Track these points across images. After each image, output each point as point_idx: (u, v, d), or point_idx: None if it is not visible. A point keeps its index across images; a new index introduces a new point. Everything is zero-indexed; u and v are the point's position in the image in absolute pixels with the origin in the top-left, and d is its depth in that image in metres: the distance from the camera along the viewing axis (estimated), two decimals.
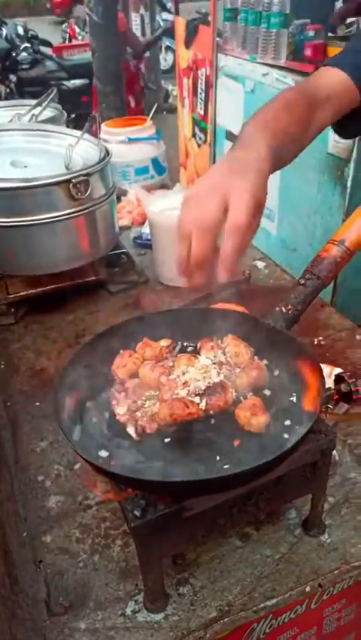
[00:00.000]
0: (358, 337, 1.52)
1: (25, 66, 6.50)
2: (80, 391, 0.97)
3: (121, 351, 1.04)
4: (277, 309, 1.04)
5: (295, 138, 1.20)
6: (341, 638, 1.25)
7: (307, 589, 0.95)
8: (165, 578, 0.94)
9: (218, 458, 0.84)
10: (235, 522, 0.92)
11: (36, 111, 2.08)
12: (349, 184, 2.69)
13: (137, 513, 0.77)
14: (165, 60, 9.68)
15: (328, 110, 1.26)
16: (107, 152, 1.63)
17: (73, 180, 1.47)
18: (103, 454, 0.86)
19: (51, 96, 2.15)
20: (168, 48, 9.19)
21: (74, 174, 1.47)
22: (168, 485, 0.77)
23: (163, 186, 2.39)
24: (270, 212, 3.42)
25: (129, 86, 4.21)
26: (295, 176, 3.02)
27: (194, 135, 4.24)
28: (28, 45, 6.61)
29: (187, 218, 1.00)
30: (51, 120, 2.06)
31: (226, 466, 0.82)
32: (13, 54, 6.58)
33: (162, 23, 8.13)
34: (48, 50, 7.08)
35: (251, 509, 0.89)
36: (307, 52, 3.25)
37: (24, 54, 6.54)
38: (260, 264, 1.89)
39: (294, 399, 0.94)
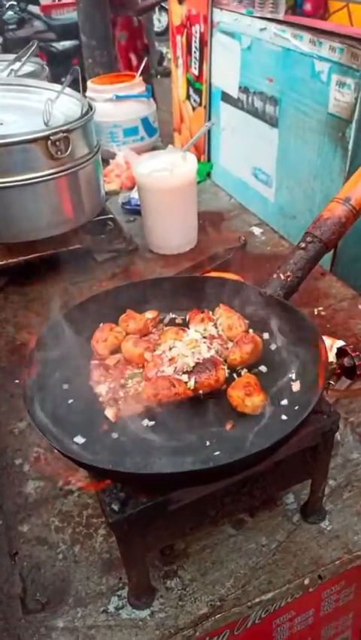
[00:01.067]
0: (360, 307, 1.42)
1: (11, 26, 6.20)
2: (55, 369, 0.87)
3: (101, 324, 0.94)
4: (274, 276, 0.93)
5: None
6: (338, 618, 1.20)
7: (306, 581, 0.87)
8: (151, 570, 0.86)
9: (208, 444, 0.75)
10: (227, 512, 0.83)
11: (15, 66, 1.93)
12: (350, 146, 2.54)
13: (115, 507, 0.68)
14: (159, 21, 9.29)
15: None
16: (90, 107, 1.49)
17: (52, 137, 1.34)
18: (79, 439, 0.77)
19: (32, 50, 2.00)
20: (161, 8, 8.80)
21: (53, 130, 1.34)
22: (151, 477, 0.68)
23: (154, 149, 2.25)
24: (267, 178, 3.27)
25: (131, 43, 4.00)
26: (293, 139, 2.86)
27: (188, 97, 4.04)
28: (15, 3, 6.28)
29: None
30: (31, 75, 1.91)
31: (216, 453, 0.73)
32: None
33: None
34: (36, 9, 6.75)
35: (245, 498, 0.81)
36: (307, 6, 3.07)
37: (10, 13, 6.23)
38: (257, 230, 1.78)
39: (293, 376, 0.84)
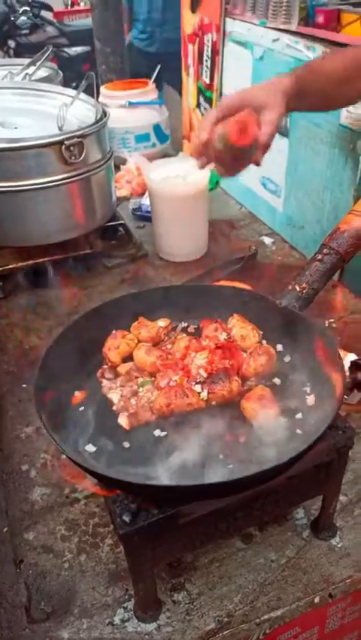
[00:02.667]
0: None
1: (24, 31, 6.23)
2: (66, 376, 0.86)
3: (114, 331, 0.93)
4: (290, 287, 0.92)
5: (327, 85, 1.20)
6: (343, 636, 1.18)
7: (317, 600, 0.86)
8: (158, 582, 0.85)
9: (221, 456, 0.74)
10: (238, 527, 0.82)
11: (30, 70, 1.94)
12: None
13: (126, 519, 0.67)
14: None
15: None
16: (105, 113, 1.49)
17: (66, 142, 1.34)
18: (90, 448, 0.76)
19: (46, 55, 2.01)
20: None
21: (67, 135, 1.34)
22: (163, 490, 0.66)
23: (165, 156, 2.25)
24: (276, 188, 3.27)
25: None
26: (304, 149, 2.86)
27: (198, 105, 4.05)
28: (28, 9, 6.31)
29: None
30: (46, 80, 1.91)
31: (229, 466, 0.72)
32: (12, 18, 6.30)
33: None
34: (49, 15, 6.78)
35: (257, 513, 0.79)
36: (319, 19, 3.06)
37: (23, 18, 6.26)
38: (267, 240, 1.77)
39: (308, 389, 0.83)
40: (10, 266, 1.52)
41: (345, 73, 1.19)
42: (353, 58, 1.20)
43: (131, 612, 0.84)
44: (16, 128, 1.51)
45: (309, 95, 1.18)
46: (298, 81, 1.12)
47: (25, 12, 6.25)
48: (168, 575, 0.88)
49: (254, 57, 3.39)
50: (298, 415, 0.79)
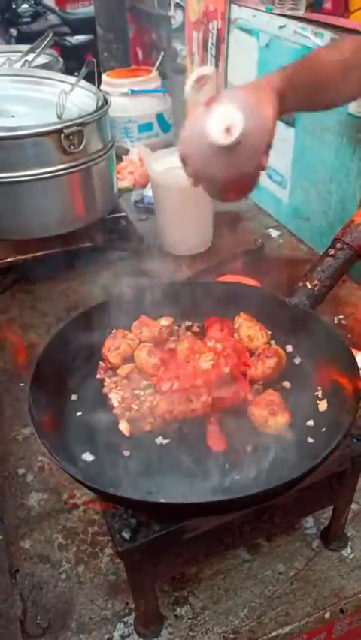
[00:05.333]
0: None
1: (25, 19, 6.14)
2: (64, 378, 0.82)
3: (113, 330, 0.88)
4: (300, 284, 0.87)
5: (318, 85, 1.05)
6: None
7: (327, 615, 0.81)
8: (160, 595, 0.81)
9: (227, 467, 0.69)
10: (245, 540, 0.77)
11: (29, 57, 1.87)
12: None
13: (126, 535, 0.63)
14: (174, 18, 9.22)
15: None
16: (106, 101, 1.43)
17: (65, 131, 1.28)
18: (87, 457, 0.71)
19: (46, 41, 1.94)
20: (177, 5, 8.73)
21: (67, 124, 1.28)
22: (164, 507, 0.61)
23: (169, 145, 2.18)
24: (281, 179, 3.21)
25: (138, 37, 3.92)
26: (310, 139, 2.80)
27: None
28: None
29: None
30: (45, 67, 1.85)
31: (236, 477, 0.67)
32: (13, 6, 6.21)
33: None
34: (51, 2, 6.69)
35: (265, 525, 0.75)
36: (327, 4, 2.99)
37: (25, 6, 6.16)
38: (274, 233, 1.71)
39: (319, 394, 0.78)
40: (8, 259, 1.47)
41: (345, 63, 1.06)
42: (353, 47, 1.08)
43: (132, 627, 0.79)
44: (13, 116, 1.45)
45: (305, 90, 1.04)
46: (289, 78, 0.98)
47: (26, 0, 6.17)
48: (170, 588, 0.84)
49: (260, 44, 3.31)
50: (310, 422, 0.75)
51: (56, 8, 6.59)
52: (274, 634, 0.79)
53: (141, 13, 3.77)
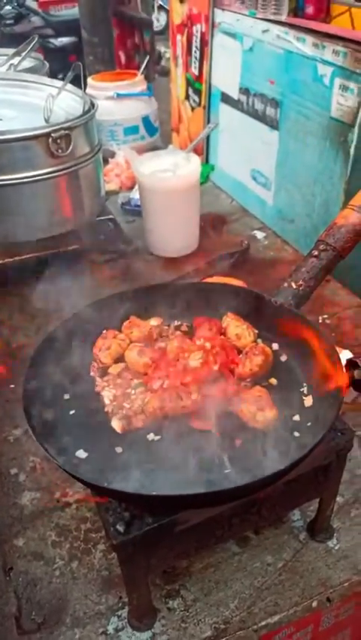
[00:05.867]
0: None
1: (8, 21, 6.10)
2: (56, 378, 0.83)
3: (104, 331, 0.90)
4: (285, 284, 0.90)
5: None
6: (337, 633, 1.17)
7: (314, 604, 0.84)
8: (153, 589, 0.83)
9: (217, 461, 0.71)
10: (234, 532, 0.79)
11: (14, 61, 1.88)
12: (352, 151, 2.51)
13: (120, 528, 0.65)
14: (158, 20, 9.23)
15: None
16: (93, 105, 1.45)
17: (53, 134, 1.30)
18: (81, 454, 0.73)
19: (32, 45, 1.95)
20: (160, 7, 8.75)
21: (54, 127, 1.30)
22: (156, 499, 0.63)
23: (155, 148, 2.21)
24: (266, 181, 3.25)
25: (121, 41, 3.94)
26: (294, 142, 2.84)
27: (187, 97, 4.00)
28: None
29: None
30: (31, 71, 1.86)
31: (226, 471, 0.69)
32: None
33: None
34: (34, 5, 6.66)
35: (254, 518, 0.77)
36: (309, 10, 3.04)
37: (7, 7, 6.12)
38: (259, 234, 1.74)
39: (305, 390, 0.81)
40: None
41: None
42: None
43: (125, 621, 0.81)
44: (0, 119, 1.46)
45: None
46: None
47: (9, 1, 6.13)
48: (162, 582, 0.86)
49: (244, 48, 3.35)
50: (296, 417, 0.77)
51: (40, 10, 6.57)
52: (263, 623, 0.81)
53: (123, 17, 3.79)
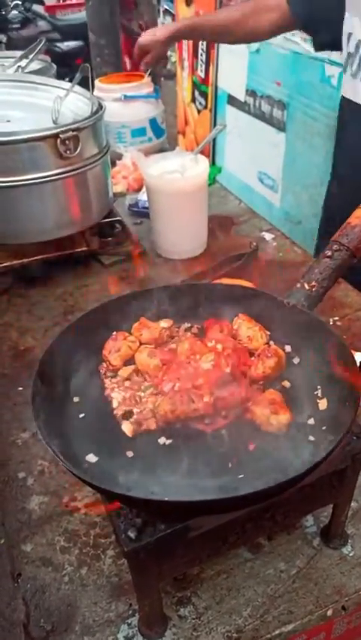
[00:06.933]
0: None
1: (15, 25, 6.13)
2: (65, 380, 0.82)
3: (114, 333, 0.89)
4: (298, 285, 0.88)
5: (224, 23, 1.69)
6: None
7: (329, 612, 0.82)
8: (164, 596, 0.81)
9: (230, 465, 0.70)
10: (247, 538, 0.78)
11: (22, 63, 1.88)
12: None
13: (131, 535, 0.63)
14: (164, 24, 9.26)
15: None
16: (100, 106, 1.44)
17: (61, 135, 1.29)
18: (91, 458, 0.71)
19: (39, 47, 1.95)
20: (166, 12, 8.78)
21: (62, 128, 1.29)
22: (169, 505, 0.62)
23: (162, 150, 2.20)
24: (273, 183, 3.23)
25: (126, 46, 3.95)
26: (301, 143, 2.83)
27: (194, 100, 4.01)
28: (19, 2, 6.21)
29: None
30: (39, 73, 1.86)
31: (240, 476, 0.68)
32: (3, 12, 6.20)
33: None
34: (40, 9, 6.69)
35: (267, 523, 0.76)
36: None
37: (14, 12, 6.16)
38: (268, 236, 1.73)
39: (319, 393, 0.79)
40: (4, 264, 1.47)
41: (241, 15, 1.65)
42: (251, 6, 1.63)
43: (136, 629, 0.80)
44: (8, 121, 1.46)
45: (202, 30, 1.78)
46: (191, 23, 1.77)
47: (16, 6, 6.16)
48: (173, 589, 0.84)
49: (250, 50, 3.35)
50: (310, 421, 0.75)
51: (46, 14, 6.60)
52: (277, 632, 0.79)
53: (127, 30, 3.78)
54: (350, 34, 1.37)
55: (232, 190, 2.08)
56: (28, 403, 1.18)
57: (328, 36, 1.50)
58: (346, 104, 1.47)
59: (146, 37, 1.78)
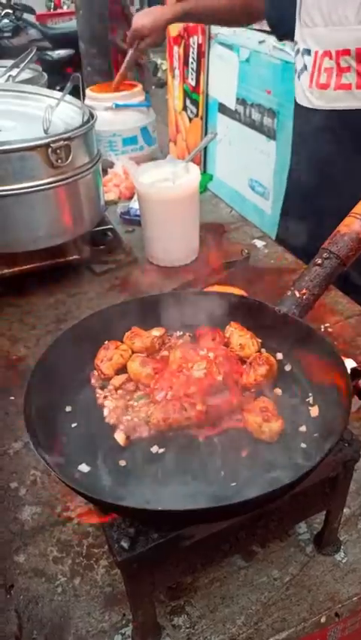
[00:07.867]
0: None
1: (6, 34, 6.14)
2: (57, 390, 0.82)
3: (106, 341, 0.89)
4: (288, 293, 0.89)
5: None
6: None
7: (323, 619, 0.82)
8: (157, 605, 0.81)
9: (223, 474, 0.70)
10: (240, 546, 0.78)
11: (13, 72, 1.89)
12: None
13: (124, 545, 0.63)
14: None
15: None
16: (92, 115, 1.45)
17: (52, 145, 1.29)
18: (84, 468, 0.71)
19: (30, 56, 1.96)
20: None
21: (54, 138, 1.30)
22: (162, 514, 0.62)
23: (153, 158, 2.21)
24: (264, 190, 3.26)
25: (114, 55, 3.98)
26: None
27: (185, 108, 4.03)
28: (10, 11, 6.23)
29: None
30: (30, 82, 1.87)
31: (233, 484, 0.68)
32: None
33: None
34: (32, 18, 6.71)
35: (260, 531, 0.76)
36: None
37: (5, 21, 6.17)
38: (259, 243, 1.74)
39: (310, 400, 0.80)
40: None
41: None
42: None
43: (130, 639, 0.79)
44: (0, 130, 1.46)
45: (197, 15, 1.80)
46: (184, 10, 1.74)
47: (7, 15, 6.17)
48: (167, 598, 0.84)
49: (240, 59, 3.38)
50: (302, 428, 0.76)
51: (37, 23, 6.62)
52: None
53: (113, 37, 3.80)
54: (296, 42, 1.48)
55: (223, 198, 2.09)
56: (21, 413, 1.17)
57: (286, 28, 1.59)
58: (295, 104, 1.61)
59: (143, 21, 1.69)
